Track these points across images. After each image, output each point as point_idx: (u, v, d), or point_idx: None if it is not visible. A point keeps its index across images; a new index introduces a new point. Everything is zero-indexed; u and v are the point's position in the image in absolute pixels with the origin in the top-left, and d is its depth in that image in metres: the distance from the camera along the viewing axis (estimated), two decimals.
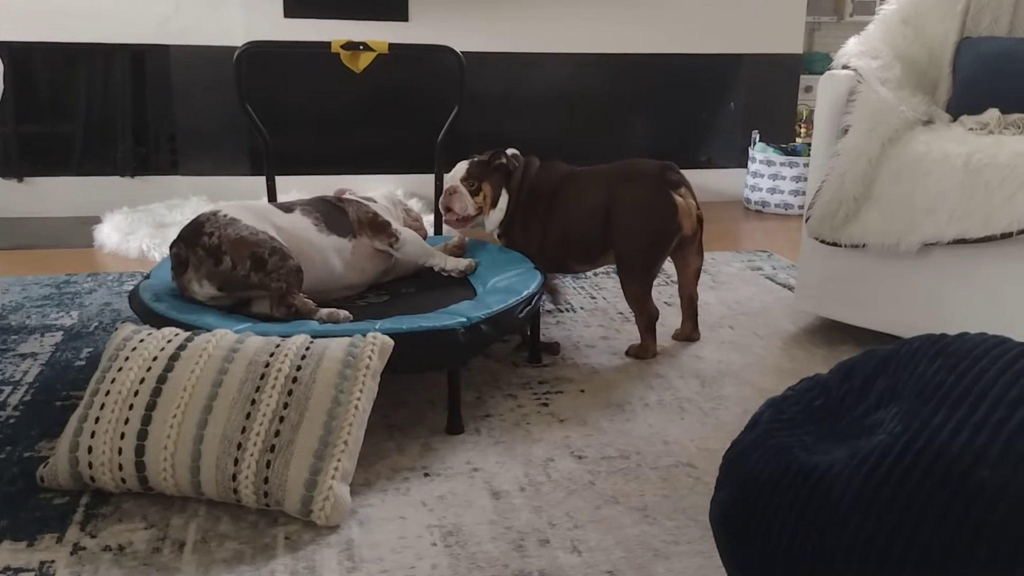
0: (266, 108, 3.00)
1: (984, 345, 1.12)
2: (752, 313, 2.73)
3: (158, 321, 1.83)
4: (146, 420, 1.54)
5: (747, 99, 4.66)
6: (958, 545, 0.93)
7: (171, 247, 1.96)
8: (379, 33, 3.36)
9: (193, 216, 2.00)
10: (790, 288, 2.92)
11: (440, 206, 2.46)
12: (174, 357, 1.61)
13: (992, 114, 2.35)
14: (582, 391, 2.10)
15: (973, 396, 1.04)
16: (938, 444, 0.99)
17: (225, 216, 1.94)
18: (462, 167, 2.43)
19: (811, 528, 1.04)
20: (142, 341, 1.66)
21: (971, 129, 2.31)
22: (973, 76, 2.54)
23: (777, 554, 1.07)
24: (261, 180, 2.64)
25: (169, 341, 1.66)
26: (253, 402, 1.54)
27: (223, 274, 1.89)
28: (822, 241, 2.43)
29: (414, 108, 4.10)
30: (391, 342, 1.66)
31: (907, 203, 2.26)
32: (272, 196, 2.59)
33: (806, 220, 2.49)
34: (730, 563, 1.19)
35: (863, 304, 2.42)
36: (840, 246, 2.40)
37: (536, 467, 1.72)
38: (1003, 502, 0.93)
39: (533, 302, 2.06)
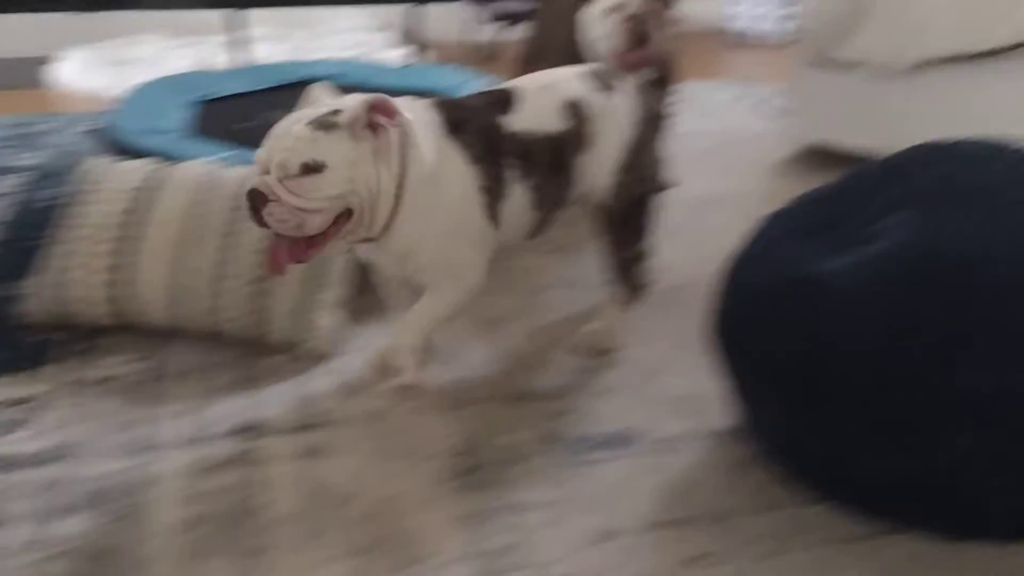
0: None
1: (989, 148, 1.09)
2: (740, 142, 2.65)
3: (130, 155, 1.74)
4: (124, 253, 1.49)
5: None
6: (965, 337, 0.92)
7: None
8: None
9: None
10: (778, 117, 2.84)
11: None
12: (149, 190, 1.54)
13: None
14: None
15: (981, 196, 1.01)
16: (945, 243, 0.97)
17: None
18: None
19: (815, 333, 1.02)
20: (112, 175, 1.59)
21: None
22: None
23: (778, 360, 1.07)
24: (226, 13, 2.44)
25: (142, 174, 1.58)
26: (232, 235, 1.48)
27: None
28: (814, 64, 2.34)
29: None
30: None
31: (900, 19, 2.17)
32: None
33: (797, 43, 2.39)
34: (729, 372, 1.19)
35: (855, 127, 2.34)
36: (832, 69, 2.31)
37: None
38: (1010, 297, 0.92)
39: None
